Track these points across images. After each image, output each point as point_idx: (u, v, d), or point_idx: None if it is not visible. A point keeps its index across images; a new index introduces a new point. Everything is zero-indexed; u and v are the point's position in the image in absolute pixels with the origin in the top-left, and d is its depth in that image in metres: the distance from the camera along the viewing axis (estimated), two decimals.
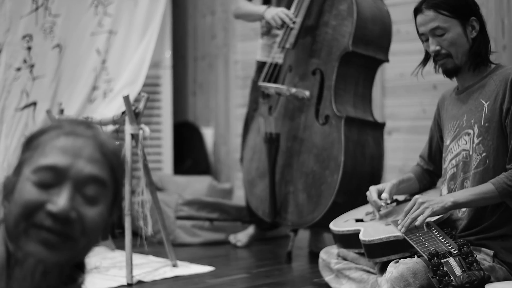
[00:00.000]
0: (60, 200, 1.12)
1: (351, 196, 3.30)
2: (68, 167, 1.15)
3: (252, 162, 3.78)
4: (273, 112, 3.66)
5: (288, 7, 3.61)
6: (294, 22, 3.50)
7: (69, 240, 1.13)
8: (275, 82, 3.65)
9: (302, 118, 3.51)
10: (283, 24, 3.53)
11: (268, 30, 3.91)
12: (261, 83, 3.63)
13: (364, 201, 3.21)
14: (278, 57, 3.68)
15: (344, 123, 3.33)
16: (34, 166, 1.15)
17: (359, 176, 3.35)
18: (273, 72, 3.66)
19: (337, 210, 3.23)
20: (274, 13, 3.57)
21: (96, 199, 1.16)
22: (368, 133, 3.45)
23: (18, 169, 1.19)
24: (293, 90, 3.48)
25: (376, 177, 3.45)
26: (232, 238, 4.08)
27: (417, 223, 2.31)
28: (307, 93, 3.45)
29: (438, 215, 2.35)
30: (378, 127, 3.53)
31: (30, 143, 1.20)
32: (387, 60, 3.55)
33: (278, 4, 3.74)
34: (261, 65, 3.87)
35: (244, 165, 3.86)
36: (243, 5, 3.88)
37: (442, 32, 2.45)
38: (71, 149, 1.16)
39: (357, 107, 3.48)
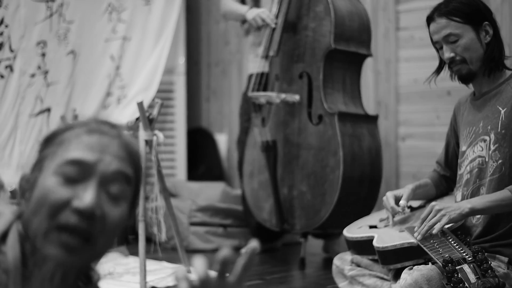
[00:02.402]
0: (86, 196, 1.10)
1: (355, 190, 3.38)
2: (95, 162, 1.13)
3: (253, 178, 3.79)
4: (266, 123, 3.71)
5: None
6: (276, 23, 3.59)
7: (89, 241, 1.11)
8: (264, 91, 3.70)
9: (295, 123, 3.57)
10: (264, 24, 3.64)
11: (247, 30, 3.97)
12: (250, 94, 3.67)
13: (367, 194, 3.20)
14: (263, 66, 3.73)
15: (338, 119, 3.40)
16: (60, 160, 1.13)
17: (360, 168, 3.42)
18: (261, 81, 3.72)
19: (342, 206, 3.29)
20: (256, 13, 3.67)
21: (119, 199, 1.15)
22: (362, 126, 3.51)
23: (38, 166, 1.16)
24: (283, 96, 3.54)
25: (375, 169, 3.51)
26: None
27: (434, 231, 2.28)
28: (297, 97, 3.53)
29: (455, 222, 2.32)
30: (371, 120, 3.60)
31: (52, 140, 1.18)
32: (370, 54, 3.63)
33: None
34: (250, 77, 3.90)
35: (244, 182, 3.87)
36: (227, 1, 3.98)
37: (455, 38, 2.44)
38: (97, 145, 1.14)
39: (347, 103, 3.55)
